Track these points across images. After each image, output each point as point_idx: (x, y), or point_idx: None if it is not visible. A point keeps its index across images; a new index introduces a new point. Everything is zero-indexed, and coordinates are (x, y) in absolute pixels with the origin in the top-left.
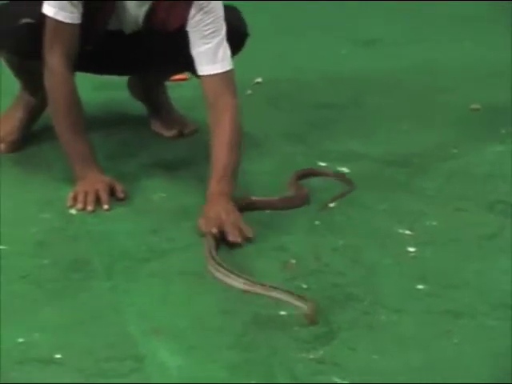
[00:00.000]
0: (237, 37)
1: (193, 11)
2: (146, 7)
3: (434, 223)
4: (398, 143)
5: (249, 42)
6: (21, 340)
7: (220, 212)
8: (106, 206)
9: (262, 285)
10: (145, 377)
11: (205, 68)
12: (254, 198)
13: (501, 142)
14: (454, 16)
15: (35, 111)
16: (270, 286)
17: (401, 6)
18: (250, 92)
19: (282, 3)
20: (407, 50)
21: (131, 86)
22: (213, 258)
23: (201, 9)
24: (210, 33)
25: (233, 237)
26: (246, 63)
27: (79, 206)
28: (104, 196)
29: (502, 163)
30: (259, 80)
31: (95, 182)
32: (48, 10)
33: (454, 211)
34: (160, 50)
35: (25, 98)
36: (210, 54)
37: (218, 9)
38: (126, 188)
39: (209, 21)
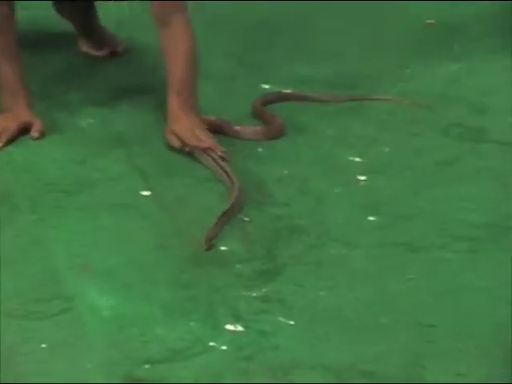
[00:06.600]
0: None
1: None
2: None
3: (387, 149)
4: (347, 65)
5: None
6: None
7: (188, 129)
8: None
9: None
10: (75, 318)
11: None
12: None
13: (454, 61)
14: None
15: None
16: None
17: None
18: None
19: None
20: None
21: (58, 4)
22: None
23: None
24: None
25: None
26: None
27: None
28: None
29: (456, 83)
30: None
31: (13, 118)
32: None
33: (408, 136)
34: None
35: None
36: None
37: None
38: (54, 115)
39: None
